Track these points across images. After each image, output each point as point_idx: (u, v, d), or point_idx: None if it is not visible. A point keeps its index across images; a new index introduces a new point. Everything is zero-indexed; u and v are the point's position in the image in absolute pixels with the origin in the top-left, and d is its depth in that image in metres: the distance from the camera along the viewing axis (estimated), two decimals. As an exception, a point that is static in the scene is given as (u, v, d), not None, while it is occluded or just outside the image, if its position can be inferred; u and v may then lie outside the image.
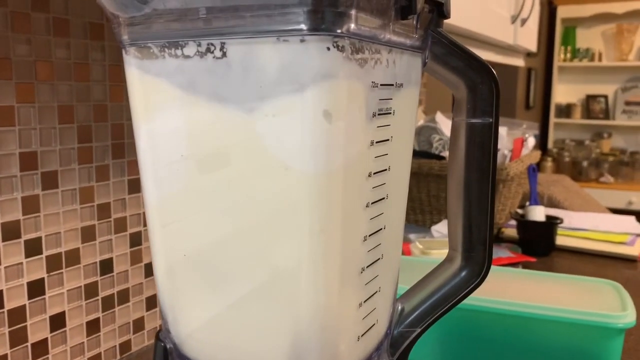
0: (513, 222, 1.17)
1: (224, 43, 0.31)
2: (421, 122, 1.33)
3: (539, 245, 1.12)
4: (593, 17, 3.73)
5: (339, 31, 0.30)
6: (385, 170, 0.37)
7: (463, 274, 0.43)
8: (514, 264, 1.04)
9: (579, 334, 0.66)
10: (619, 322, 0.64)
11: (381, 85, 0.34)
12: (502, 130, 1.25)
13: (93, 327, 0.73)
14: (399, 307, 0.43)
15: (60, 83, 0.66)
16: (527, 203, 1.17)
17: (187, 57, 0.32)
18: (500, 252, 1.07)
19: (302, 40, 0.29)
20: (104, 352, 0.75)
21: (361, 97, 0.32)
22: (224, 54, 0.31)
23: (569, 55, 3.84)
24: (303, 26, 0.29)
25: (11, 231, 0.63)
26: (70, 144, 0.68)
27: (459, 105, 0.42)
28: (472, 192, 0.43)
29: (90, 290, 0.72)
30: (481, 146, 0.42)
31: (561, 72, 3.90)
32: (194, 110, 0.33)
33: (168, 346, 0.37)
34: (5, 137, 0.61)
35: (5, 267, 0.63)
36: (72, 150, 0.68)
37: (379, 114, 0.35)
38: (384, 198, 0.37)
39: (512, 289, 0.75)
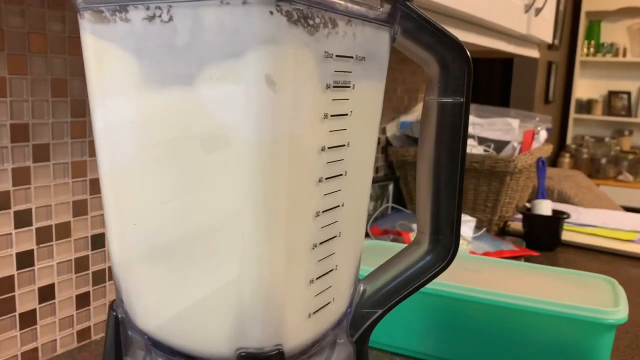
0: (520, 216, 1.15)
1: (170, 7, 0.31)
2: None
3: (543, 240, 1.09)
4: (619, 11, 3.62)
5: (284, -5, 0.29)
6: (343, 145, 0.36)
7: (429, 257, 0.42)
8: (516, 258, 1.02)
9: (570, 328, 0.64)
10: (610, 317, 0.63)
11: (337, 56, 0.33)
12: (514, 122, 1.22)
13: (83, 300, 0.74)
14: (361, 288, 0.42)
15: (55, 56, 0.67)
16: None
17: (136, 21, 0.32)
18: (504, 245, 1.06)
19: (244, 3, 0.29)
20: (94, 325, 0.76)
21: (310, 67, 0.31)
22: (171, 18, 0.31)
23: (592, 49, 3.75)
24: (247, -11, 0.28)
25: (1, 201, 0.64)
26: (64, 117, 0.69)
27: (431, 84, 0.41)
28: (441, 175, 0.41)
29: (81, 264, 0.73)
30: (452, 127, 0.41)
31: (583, 67, 3.81)
32: (143, 77, 0.32)
33: (120, 316, 0.37)
34: (-2, 109, 0.62)
35: (-6, 238, 0.64)
36: (65, 124, 0.69)
37: (334, 87, 0.34)
38: (341, 174, 0.36)
39: (505, 281, 0.73)
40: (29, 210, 0.66)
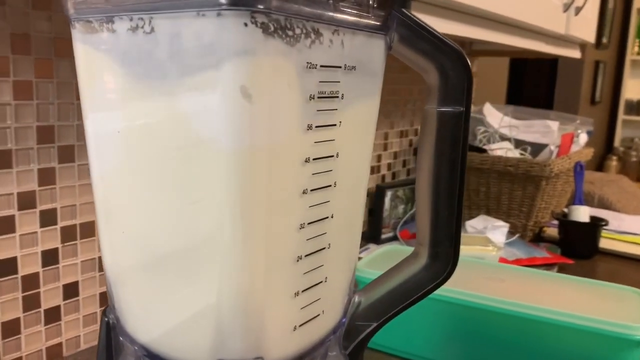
0: (556, 222, 1.11)
1: (152, 18, 0.31)
2: (468, 113, 1.28)
3: (579, 247, 1.05)
4: (672, 8, 3.46)
5: (260, 7, 0.28)
6: (332, 156, 0.35)
7: (427, 270, 0.41)
8: (549, 265, 0.98)
9: (594, 343, 0.62)
10: (637, 333, 0.60)
11: (322, 66, 0.33)
12: (553, 125, 1.18)
13: (106, 298, 0.75)
14: (356, 299, 0.41)
15: (79, 60, 0.68)
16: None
17: (121, 32, 0.32)
18: (536, 252, 1.02)
19: (219, 15, 0.28)
20: (117, 323, 0.77)
21: (290, 77, 0.31)
22: (152, 29, 0.31)
23: (644, 48, 3.59)
24: (222, 0, 0.28)
25: (27, 201, 0.66)
26: (88, 119, 0.70)
27: (430, 93, 0.40)
28: (441, 185, 0.40)
29: (105, 263, 0.74)
30: (451, 137, 0.40)
31: (634, 66, 3.65)
32: (128, 87, 0.32)
33: (111, 322, 0.38)
34: (23, 111, 0.64)
35: (21, 235, 0.66)
36: (90, 126, 0.70)
37: (319, 97, 0.33)
38: (330, 185, 0.36)
39: (529, 291, 0.71)
40: (54, 210, 0.68)
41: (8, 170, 0.63)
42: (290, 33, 0.30)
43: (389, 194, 1.14)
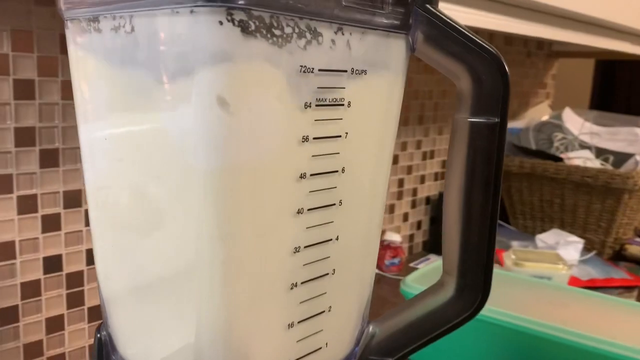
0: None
1: (132, 16, 0.28)
2: (545, 118, 1.19)
3: (666, 269, 0.95)
4: None
5: (240, 2, 0.25)
6: (336, 172, 0.31)
7: (453, 303, 0.36)
8: (627, 288, 0.89)
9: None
10: None
11: (320, 70, 0.29)
12: (641, 132, 1.07)
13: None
14: (370, 330, 0.37)
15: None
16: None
17: (106, 31, 0.29)
18: (615, 272, 0.93)
19: (192, 12, 0.25)
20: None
21: (279, 83, 0.27)
22: (132, 29, 0.28)
23: None
24: (198, -6, 0.25)
25: (73, 200, 0.66)
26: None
27: (461, 101, 0.35)
28: (472, 207, 0.35)
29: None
30: (484, 151, 0.34)
31: None
32: (113, 92, 0.30)
33: (104, 339, 0.35)
34: (72, 112, 0.64)
35: (66, 234, 0.67)
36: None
37: (317, 105, 0.29)
38: (334, 204, 0.32)
39: (596, 319, 0.63)
40: (97, 209, 0.68)
41: (55, 169, 0.63)
42: (277, 32, 0.26)
43: (453, 202, 1.07)
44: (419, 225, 1.12)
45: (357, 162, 0.32)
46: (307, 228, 0.31)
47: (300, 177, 0.29)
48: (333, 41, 0.29)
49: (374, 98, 0.32)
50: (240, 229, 0.28)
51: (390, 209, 1.06)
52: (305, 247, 0.31)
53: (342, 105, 0.30)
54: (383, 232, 1.05)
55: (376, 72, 0.32)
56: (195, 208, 0.27)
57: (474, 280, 0.36)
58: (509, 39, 1.25)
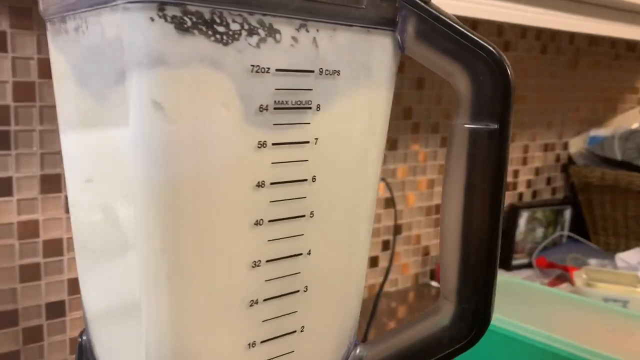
0: None
1: (87, 15, 0.27)
2: (635, 126, 1.09)
3: None
4: None
5: (176, -4, 0.23)
6: (304, 180, 0.29)
7: (450, 330, 0.32)
8: None
9: None
10: None
11: (278, 70, 0.26)
12: None
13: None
14: (357, 353, 0.34)
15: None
16: None
17: (71, 32, 0.29)
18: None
19: (125, 9, 0.24)
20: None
21: (225, 85, 0.25)
22: (87, 28, 0.27)
23: None
24: (131, -12, 0.23)
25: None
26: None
27: (459, 104, 0.31)
28: (471, 225, 0.31)
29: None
30: (483, 161, 0.30)
31: None
32: (78, 98, 0.29)
33: (84, 344, 0.35)
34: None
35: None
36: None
37: (276, 108, 0.27)
38: (303, 216, 0.29)
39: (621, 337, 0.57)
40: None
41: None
42: (221, 29, 0.24)
43: (524, 215, 1.01)
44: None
45: (332, 171, 0.30)
46: (268, 241, 0.28)
47: (258, 185, 0.27)
48: (295, 39, 0.26)
49: (352, 98, 0.29)
50: (185, 242, 0.26)
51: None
52: (268, 261, 0.28)
53: (310, 108, 0.28)
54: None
55: (354, 74, 0.29)
56: (141, 225, 0.26)
57: (473, 306, 0.32)
58: (594, 40, 1.15)
